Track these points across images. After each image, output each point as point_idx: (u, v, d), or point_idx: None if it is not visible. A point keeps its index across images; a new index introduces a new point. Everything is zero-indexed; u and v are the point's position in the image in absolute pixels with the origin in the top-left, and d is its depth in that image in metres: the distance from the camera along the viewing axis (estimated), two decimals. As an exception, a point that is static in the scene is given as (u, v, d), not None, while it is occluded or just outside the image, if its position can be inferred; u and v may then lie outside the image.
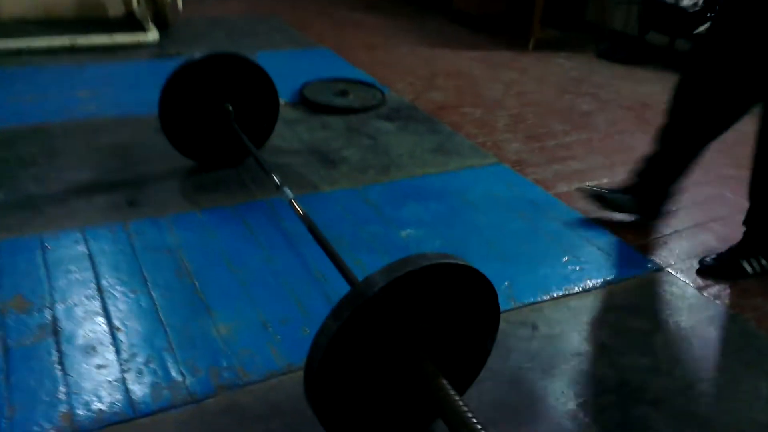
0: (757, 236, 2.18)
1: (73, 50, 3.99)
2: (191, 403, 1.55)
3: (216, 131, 2.57)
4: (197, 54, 2.46)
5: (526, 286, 2.06)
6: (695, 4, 4.14)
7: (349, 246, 2.19)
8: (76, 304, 1.84)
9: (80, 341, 1.71)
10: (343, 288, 1.45)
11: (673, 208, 2.51)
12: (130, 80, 3.61)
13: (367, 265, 2.08)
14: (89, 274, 1.97)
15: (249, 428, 1.50)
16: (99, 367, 1.63)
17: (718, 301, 2.06)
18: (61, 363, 1.63)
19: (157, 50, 4.14)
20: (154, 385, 1.59)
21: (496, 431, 1.52)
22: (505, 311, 1.88)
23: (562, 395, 1.66)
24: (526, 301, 1.99)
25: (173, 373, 1.63)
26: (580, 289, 2.07)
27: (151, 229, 2.22)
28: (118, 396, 1.55)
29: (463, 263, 1.30)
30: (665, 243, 2.37)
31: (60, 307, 1.82)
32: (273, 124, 2.75)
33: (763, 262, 2.18)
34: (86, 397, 1.54)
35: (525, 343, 1.82)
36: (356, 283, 1.55)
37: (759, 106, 2.05)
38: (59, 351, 1.67)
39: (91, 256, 2.06)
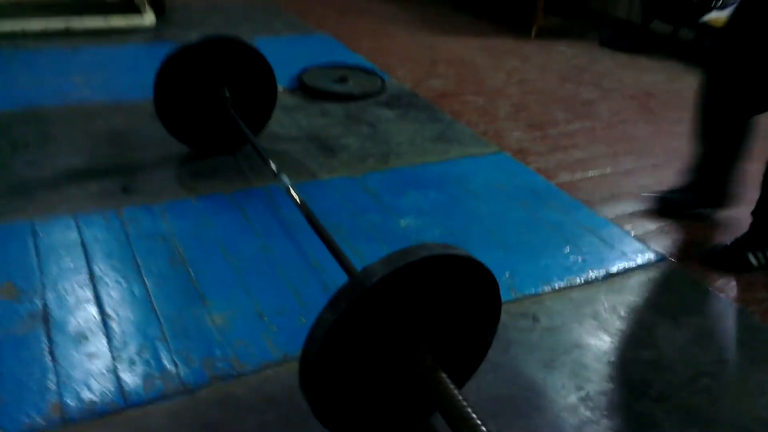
0: (763, 228, 2.15)
1: (67, 34, 3.93)
2: (184, 394, 1.52)
3: (212, 117, 2.52)
4: (194, 37, 2.41)
5: (527, 277, 2.02)
6: (700, -7, 4.09)
7: (347, 235, 2.15)
8: (67, 292, 1.80)
9: (71, 330, 1.67)
10: (340, 277, 1.42)
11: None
12: (125, 64, 3.55)
13: (365, 254, 2.04)
14: (81, 262, 1.93)
15: (243, 420, 1.47)
16: (90, 356, 1.60)
17: (722, 294, 2.03)
18: (51, 352, 1.60)
19: (153, 34, 4.08)
20: (146, 375, 1.56)
21: (496, 424, 1.48)
22: (506, 302, 1.84)
23: (562, 388, 1.62)
24: (527, 292, 1.96)
25: (166, 363, 1.59)
26: (582, 280, 2.04)
27: (146, 216, 2.18)
28: (109, 386, 1.52)
29: (465, 255, 1.27)
30: (668, 234, 2.33)
31: (51, 295, 1.79)
32: (271, 111, 2.70)
33: (770, 254, 2.15)
34: (76, 387, 1.51)
35: (525, 335, 1.79)
36: (354, 273, 1.52)
37: None
38: (49, 339, 1.63)
39: (83, 243, 2.02)
